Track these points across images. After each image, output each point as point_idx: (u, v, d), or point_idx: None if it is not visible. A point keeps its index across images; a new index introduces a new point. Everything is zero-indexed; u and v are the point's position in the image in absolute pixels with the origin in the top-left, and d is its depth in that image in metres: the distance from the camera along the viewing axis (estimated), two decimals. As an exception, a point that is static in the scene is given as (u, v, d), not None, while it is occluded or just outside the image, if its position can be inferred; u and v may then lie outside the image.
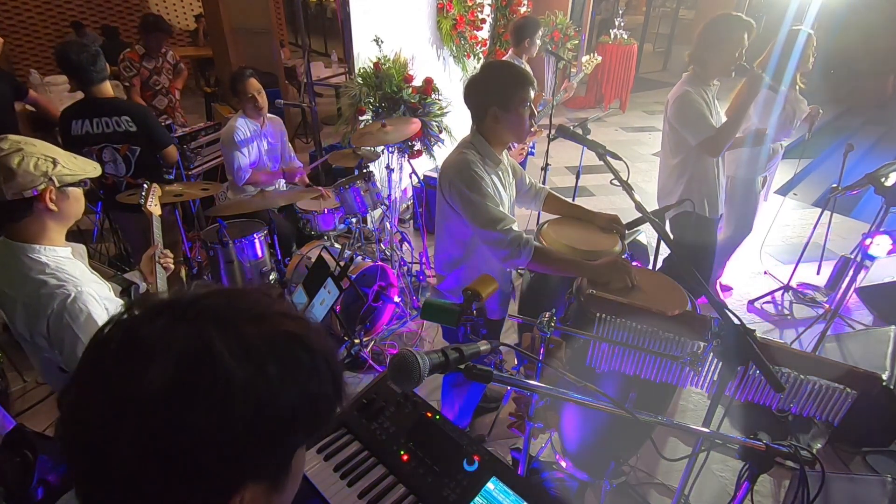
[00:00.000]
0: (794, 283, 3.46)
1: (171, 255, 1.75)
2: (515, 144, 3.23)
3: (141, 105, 2.67)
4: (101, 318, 1.29)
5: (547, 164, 3.65)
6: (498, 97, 1.66)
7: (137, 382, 0.43)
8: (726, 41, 2.20)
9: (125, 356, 0.45)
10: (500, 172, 1.80)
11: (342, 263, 2.16)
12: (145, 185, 1.88)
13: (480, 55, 4.85)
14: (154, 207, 1.83)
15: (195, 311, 0.49)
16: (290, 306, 0.56)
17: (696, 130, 2.27)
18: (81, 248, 1.42)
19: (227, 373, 0.45)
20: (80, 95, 2.54)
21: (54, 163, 1.24)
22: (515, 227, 1.67)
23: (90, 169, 1.34)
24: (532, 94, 1.68)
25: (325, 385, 0.53)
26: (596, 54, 3.81)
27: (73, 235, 1.42)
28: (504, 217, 1.65)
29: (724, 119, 2.37)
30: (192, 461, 0.44)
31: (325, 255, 2.56)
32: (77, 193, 1.33)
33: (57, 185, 1.25)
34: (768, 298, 3.42)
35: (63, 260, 1.31)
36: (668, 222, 2.54)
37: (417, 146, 3.73)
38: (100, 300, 1.31)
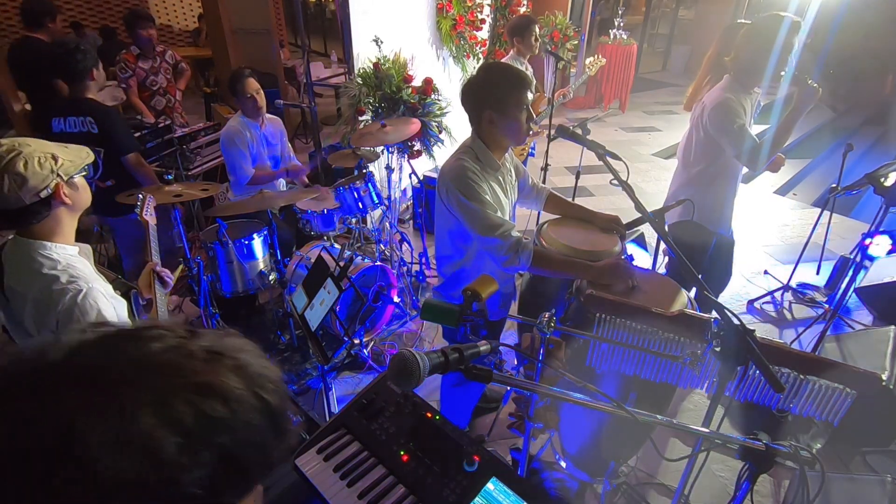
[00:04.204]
0: (793, 283, 3.46)
1: (169, 272, 1.73)
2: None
3: (105, 107, 2.57)
4: (110, 315, 1.30)
5: (547, 164, 3.66)
6: (493, 100, 1.64)
7: None
8: (773, 45, 2.01)
9: None
10: (499, 177, 1.78)
11: (342, 264, 2.16)
12: (140, 196, 1.87)
13: (480, 55, 4.85)
14: (150, 217, 1.82)
15: (56, 378, 0.39)
16: (198, 338, 0.46)
17: (737, 140, 2.11)
18: (87, 248, 1.43)
19: (95, 474, 0.35)
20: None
21: (55, 158, 1.25)
22: (515, 232, 1.66)
23: (84, 155, 1.35)
24: (530, 96, 1.66)
25: (251, 430, 0.44)
26: (600, 56, 3.81)
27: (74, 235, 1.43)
28: (503, 223, 1.64)
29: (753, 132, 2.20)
30: None
31: (325, 256, 2.56)
32: (82, 182, 1.35)
33: (65, 178, 1.27)
34: (768, 298, 3.42)
35: (72, 258, 1.33)
36: (668, 228, 2.49)
37: (417, 146, 3.73)
38: (108, 298, 1.32)
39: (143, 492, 0.37)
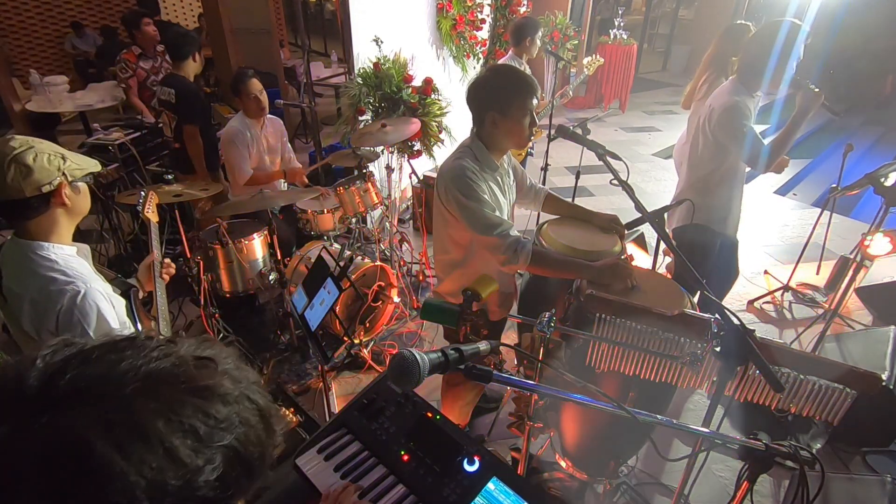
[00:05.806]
0: (793, 283, 3.46)
1: (172, 266, 1.74)
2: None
3: (189, 85, 3.05)
4: (110, 314, 1.31)
5: (547, 165, 3.65)
6: (498, 102, 1.64)
7: None
8: (781, 49, 2.03)
9: None
10: (498, 178, 1.78)
11: (342, 264, 2.16)
12: (142, 193, 1.87)
13: (480, 55, 4.85)
14: (151, 214, 1.81)
15: (55, 396, 0.39)
16: (181, 346, 0.48)
17: (746, 143, 2.12)
18: (86, 248, 1.43)
19: (119, 482, 0.36)
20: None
21: (63, 158, 1.26)
22: (513, 231, 1.66)
23: (91, 164, 1.36)
24: (535, 101, 1.66)
25: (250, 429, 0.46)
26: (598, 56, 3.81)
27: (75, 237, 1.43)
28: (502, 222, 1.64)
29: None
30: None
31: (325, 255, 2.56)
32: (85, 188, 1.36)
33: (69, 179, 1.27)
34: (768, 298, 3.42)
35: (70, 258, 1.33)
36: (672, 232, 2.49)
37: (417, 146, 3.73)
38: (107, 297, 1.32)
39: (163, 497, 0.39)
